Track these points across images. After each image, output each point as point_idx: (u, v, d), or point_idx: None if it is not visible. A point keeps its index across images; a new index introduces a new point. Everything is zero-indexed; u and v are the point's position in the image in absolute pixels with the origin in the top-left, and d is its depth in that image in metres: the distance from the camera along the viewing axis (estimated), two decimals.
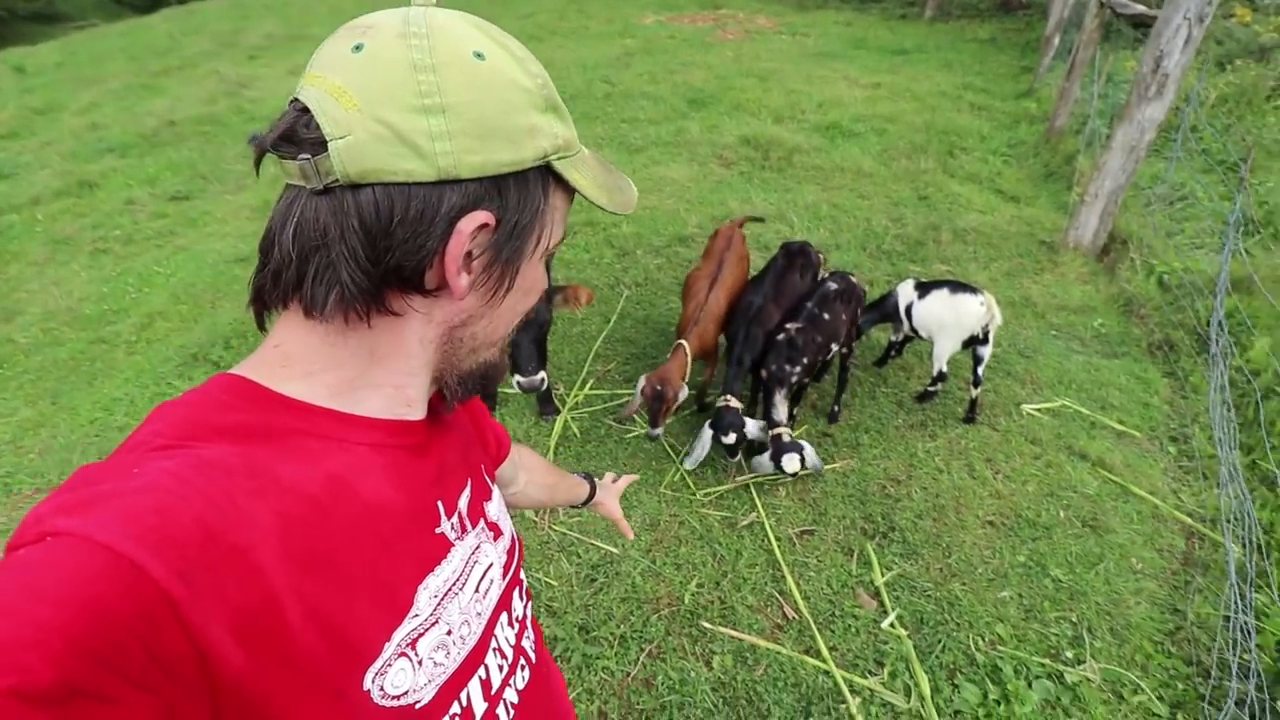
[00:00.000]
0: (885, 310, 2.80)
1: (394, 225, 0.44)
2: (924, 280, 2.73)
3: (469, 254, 0.47)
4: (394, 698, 0.47)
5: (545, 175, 0.50)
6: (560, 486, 1.00)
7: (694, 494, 2.41)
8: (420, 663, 0.49)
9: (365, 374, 0.50)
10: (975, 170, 5.01)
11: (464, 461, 0.63)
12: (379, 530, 0.48)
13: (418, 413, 0.54)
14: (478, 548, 0.59)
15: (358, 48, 0.44)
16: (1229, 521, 2.20)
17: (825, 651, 1.90)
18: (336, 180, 0.43)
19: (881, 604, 2.05)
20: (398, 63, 0.43)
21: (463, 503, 0.59)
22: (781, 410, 2.38)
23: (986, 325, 2.54)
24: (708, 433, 2.37)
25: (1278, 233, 3.40)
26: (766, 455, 2.33)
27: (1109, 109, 5.28)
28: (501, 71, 0.46)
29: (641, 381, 2.37)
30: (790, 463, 2.26)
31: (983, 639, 1.94)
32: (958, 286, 2.58)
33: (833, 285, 2.54)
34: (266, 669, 0.39)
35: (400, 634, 0.48)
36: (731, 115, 6.01)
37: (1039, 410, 2.74)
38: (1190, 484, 2.41)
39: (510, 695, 0.61)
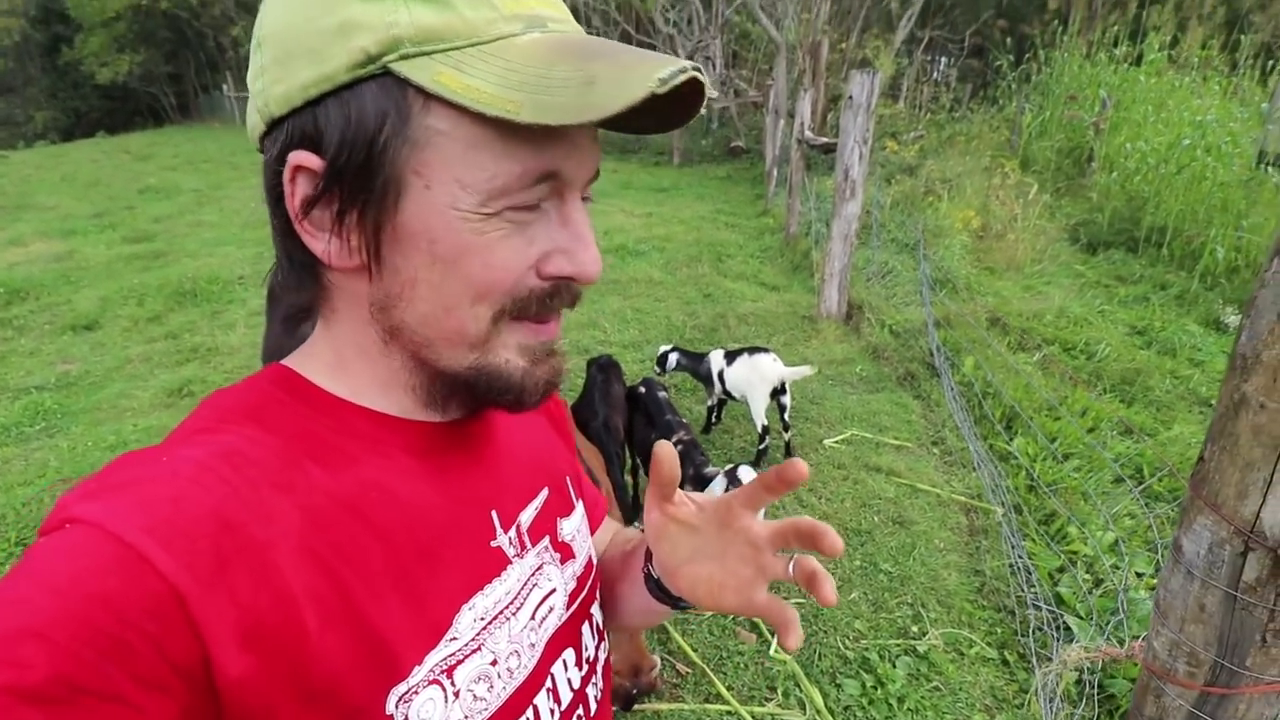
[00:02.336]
0: (699, 372, 3.16)
1: (264, 186, 0.41)
2: (730, 350, 3.16)
3: (319, 210, 0.39)
4: None
5: (398, 87, 0.36)
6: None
7: None
8: (457, 694, 0.43)
9: (367, 370, 0.44)
10: (741, 270, 5.96)
11: (540, 469, 0.55)
12: (416, 537, 0.42)
13: (440, 414, 0.47)
14: (539, 569, 0.51)
15: None
16: (991, 493, 2.75)
17: (724, 692, 1.95)
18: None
19: (760, 635, 2.17)
20: None
21: (525, 516, 0.51)
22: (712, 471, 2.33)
23: (784, 377, 3.00)
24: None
25: (955, 287, 4.54)
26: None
27: (823, 216, 6.71)
28: None
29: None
30: (745, 472, 2.18)
31: (848, 638, 2.14)
32: (754, 350, 3.04)
33: (662, 392, 2.73)
34: (274, 678, 0.34)
35: (434, 658, 0.42)
36: None
37: (836, 442, 3.22)
38: (956, 473, 2.98)
39: None
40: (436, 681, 0.41)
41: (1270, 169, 5.22)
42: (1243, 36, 7.82)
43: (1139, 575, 2.25)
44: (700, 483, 2.33)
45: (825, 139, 5.26)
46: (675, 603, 0.55)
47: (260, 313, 4.94)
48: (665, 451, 0.45)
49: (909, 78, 12.63)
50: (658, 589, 0.55)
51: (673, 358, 3.22)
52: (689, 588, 0.50)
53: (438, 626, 0.42)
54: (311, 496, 0.39)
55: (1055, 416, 3.12)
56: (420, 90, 0.36)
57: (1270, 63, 7.64)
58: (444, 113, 0.36)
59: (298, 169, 0.38)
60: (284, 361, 0.46)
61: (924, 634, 2.15)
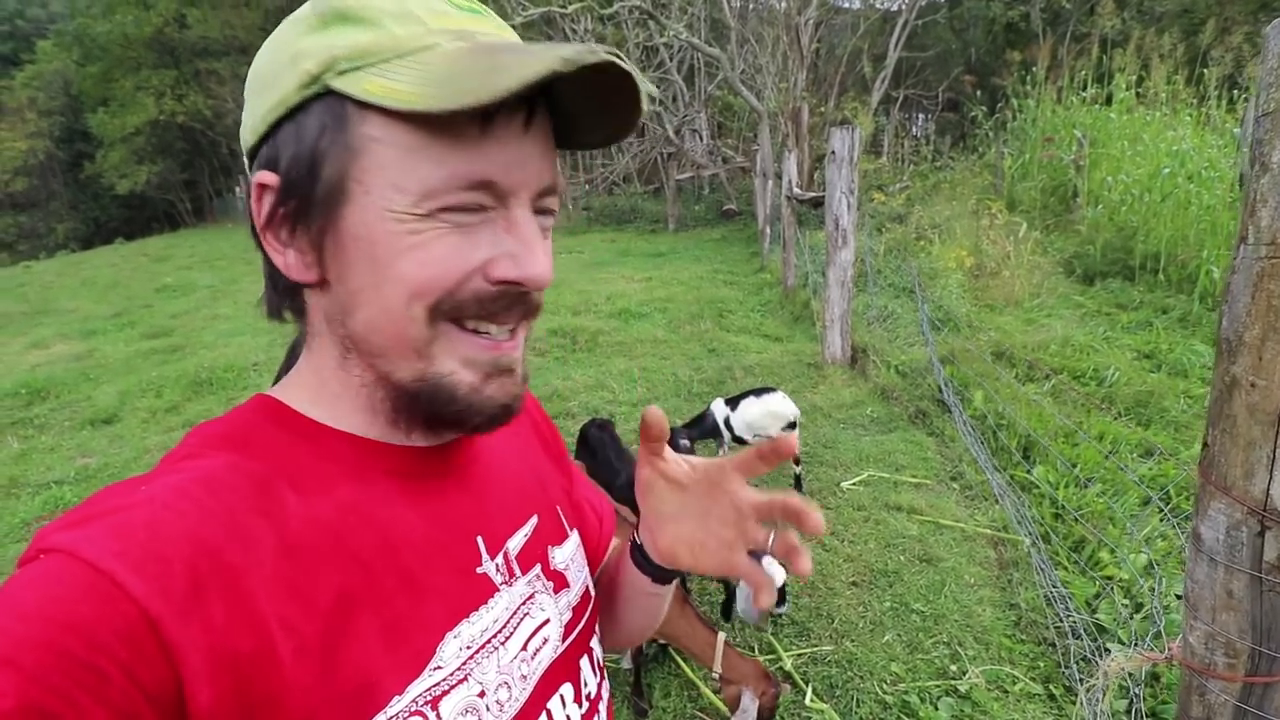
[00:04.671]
0: (705, 429, 3.16)
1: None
2: (729, 396, 3.18)
3: (276, 225, 0.42)
4: None
5: (337, 103, 0.39)
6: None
7: None
8: None
9: (346, 394, 0.45)
10: (743, 324, 6.06)
11: (529, 496, 0.55)
12: (400, 563, 0.42)
13: (406, 436, 0.47)
14: (530, 598, 0.50)
15: None
16: (1017, 523, 2.70)
17: None
18: None
19: (794, 684, 2.10)
20: None
21: (513, 543, 0.51)
22: None
23: (795, 417, 3.01)
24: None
25: (956, 324, 4.59)
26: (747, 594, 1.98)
27: (819, 267, 6.85)
28: (288, 19, 0.42)
29: (747, 699, 1.66)
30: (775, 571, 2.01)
31: (885, 683, 2.07)
32: (759, 391, 3.06)
33: (684, 441, 2.75)
34: (246, 709, 0.34)
35: (417, 688, 0.41)
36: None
37: (854, 484, 3.19)
38: (979, 506, 2.93)
39: None
40: (420, 713, 0.40)
41: None
42: (1205, 70, 8.18)
43: (1178, 598, 2.18)
44: None
45: (813, 193, 5.46)
46: (657, 573, 0.56)
47: None
48: (653, 412, 0.47)
49: (889, 134, 13.17)
50: (641, 555, 0.56)
51: (683, 444, 2.97)
52: (669, 546, 0.53)
53: (420, 655, 0.41)
54: (290, 522, 0.39)
55: (1073, 442, 3.09)
56: (355, 101, 0.39)
57: (1235, 92, 7.95)
58: (377, 120, 0.39)
59: (261, 188, 0.42)
60: (269, 391, 0.46)
61: (964, 673, 2.08)
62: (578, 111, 0.43)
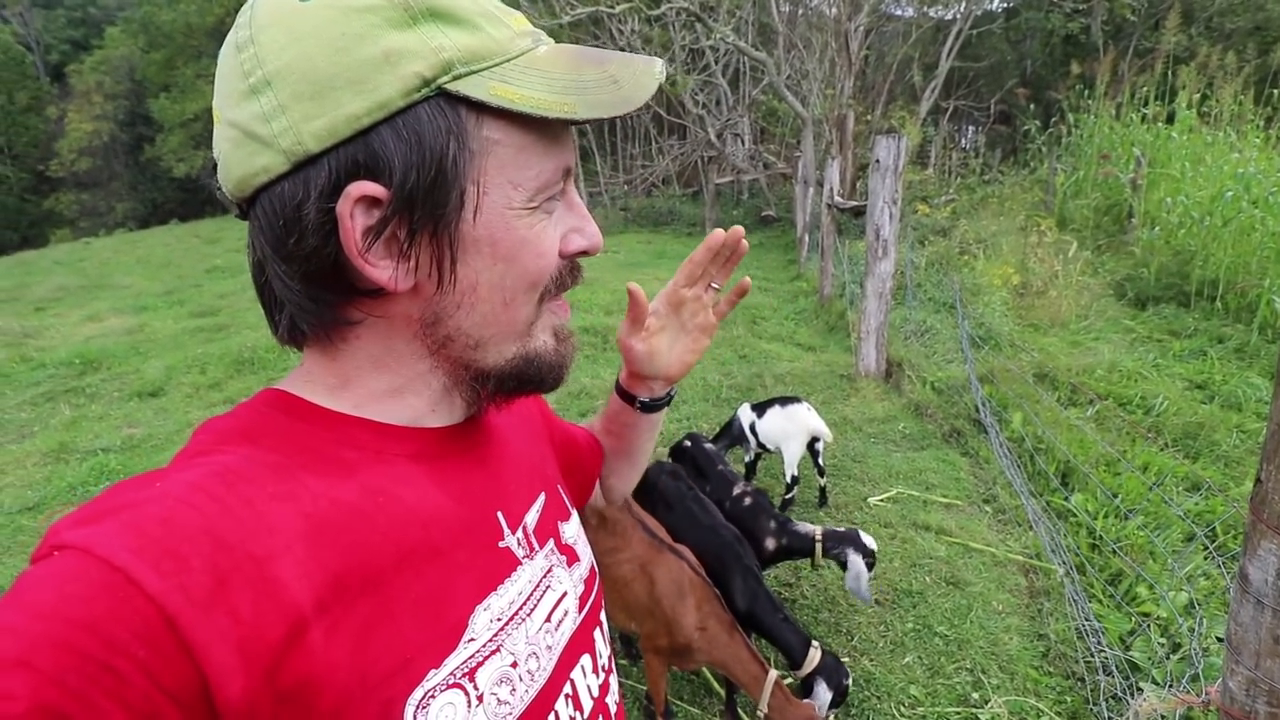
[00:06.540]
0: (732, 435, 3.14)
1: (283, 231, 0.39)
2: (757, 403, 3.15)
3: (384, 238, 0.39)
4: None
5: (450, 105, 0.39)
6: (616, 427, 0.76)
7: None
8: (480, 698, 0.42)
9: (379, 384, 0.45)
10: (776, 332, 5.99)
11: (536, 474, 0.57)
12: (429, 537, 0.42)
13: (444, 418, 0.48)
14: (549, 570, 0.52)
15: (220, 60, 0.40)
16: (1051, 552, 2.61)
17: None
18: (237, 203, 0.42)
19: None
20: (228, 52, 0.39)
21: (530, 518, 0.52)
22: (802, 525, 2.14)
23: (818, 431, 2.96)
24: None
25: (998, 343, 4.47)
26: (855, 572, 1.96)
27: (857, 277, 6.74)
28: (331, 4, 0.37)
29: None
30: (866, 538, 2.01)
31: (903, 705, 2.02)
32: (785, 400, 3.02)
33: (708, 444, 2.65)
34: (281, 696, 0.34)
35: (454, 660, 0.41)
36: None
37: (881, 500, 3.13)
38: (1011, 531, 2.84)
39: None
40: (458, 685, 0.41)
41: None
42: (1275, 90, 7.80)
43: (1219, 640, 2.08)
44: (787, 535, 2.13)
45: (855, 202, 5.38)
46: (663, 404, 0.72)
47: None
48: (636, 288, 0.61)
49: (936, 145, 12.89)
50: (650, 406, 0.71)
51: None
52: (681, 368, 0.67)
53: (454, 629, 0.42)
54: (317, 504, 0.38)
55: (1115, 472, 2.98)
56: (473, 105, 0.39)
57: None
58: (495, 123, 0.40)
59: (359, 200, 0.38)
60: (277, 385, 0.46)
61: (985, 701, 2.01)
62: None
